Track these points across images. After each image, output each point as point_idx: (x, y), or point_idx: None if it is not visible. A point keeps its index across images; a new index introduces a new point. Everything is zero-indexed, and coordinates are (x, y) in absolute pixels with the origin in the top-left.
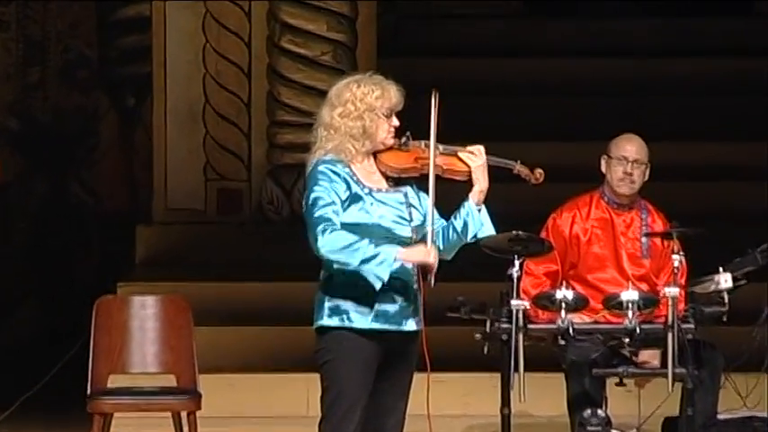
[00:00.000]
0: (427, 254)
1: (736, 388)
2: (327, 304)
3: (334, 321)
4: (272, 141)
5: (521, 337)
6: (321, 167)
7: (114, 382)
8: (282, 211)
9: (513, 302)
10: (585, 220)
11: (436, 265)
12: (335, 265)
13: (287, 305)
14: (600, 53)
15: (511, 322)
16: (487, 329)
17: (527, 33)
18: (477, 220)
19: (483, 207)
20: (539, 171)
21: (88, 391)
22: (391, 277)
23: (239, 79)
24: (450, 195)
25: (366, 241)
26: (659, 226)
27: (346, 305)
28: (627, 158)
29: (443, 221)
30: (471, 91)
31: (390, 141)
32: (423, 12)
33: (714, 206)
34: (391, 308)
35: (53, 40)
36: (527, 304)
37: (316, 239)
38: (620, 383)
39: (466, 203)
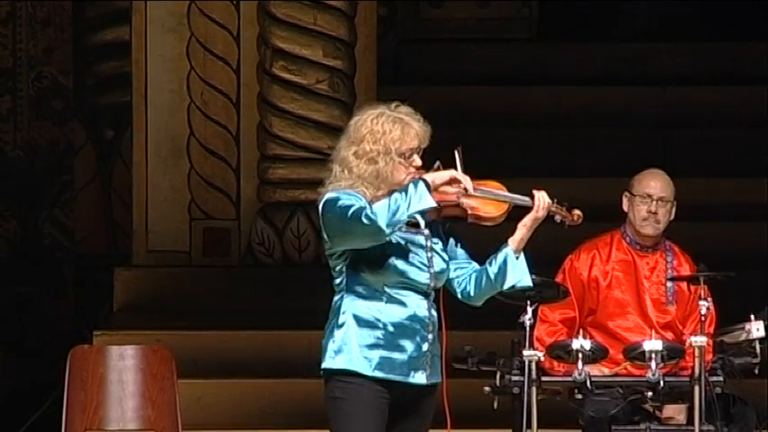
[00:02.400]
0: (452, 174)
1: None
2: (331, 346)
3: (337, 364)
4: (263, 177)
5: (534, 390)
6: (338, 192)
7: None
8: (274, 254)
9: (526, 353)
10: (606, 263)
11: (467, 178)
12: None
13: (279, 356)
14: (621, 81)
15: (523, 374)
16: (497, 382)
17: (541, 59)
18: (518, 269)
19: (521, 254)
20: (577, 213)
21: None
22: (402, 324)
23: (227, 109)
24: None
25: (393, 195)
26: (686, 269)
27: (350, 347)
28: (651, 196)
29: (475, 265)
30: (481, 122)
31: None
32: (427, 35)
33: (745, 248)
34: (398, 356)
35: (24, 66)
36: (541, 354)
37: (371, 224)
38: None
39: (505, 249)
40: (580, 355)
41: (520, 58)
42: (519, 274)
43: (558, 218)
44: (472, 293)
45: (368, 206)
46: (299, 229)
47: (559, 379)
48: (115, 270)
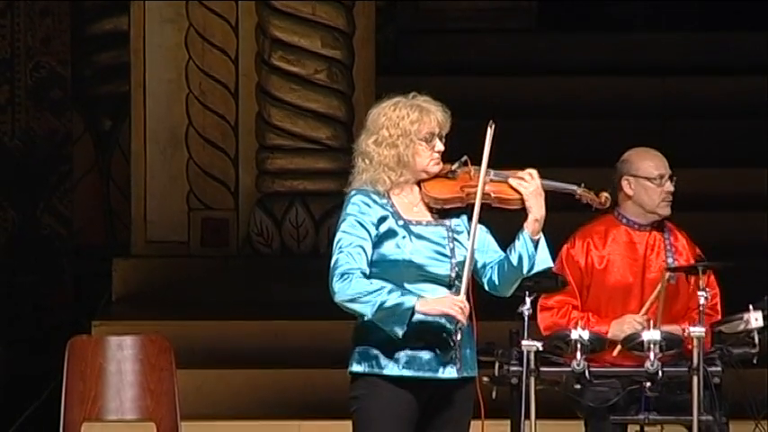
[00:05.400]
0: (451, 305)
1: None
2: (357, 349)
3: (363, 367)
4: (262, 167)
5: (532, 380)
6: (354, 198)
7: (89, 430)
8: (272, 244)
9: (524, 343)
10: (603, 247)
11: (464, 319)
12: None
13: (278, 346)
14: (619, 71)
15: (521, 364)
16: (496, 372)
17: (540, 50)
18: (532, 253)
19: (541, 237)
20: (605, 195)
21: None
22: (426, 319)
23: (226, 99)
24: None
25: (385, 290)
26: (683, 244)
27: (376, 350)
28: (663, 176)
29: (501, 254)
30: (479, 113)
31: (434, 169)
32: (426, 25)
33: (744, 238)
34: (425, 354)
35: (23, 56)
36: (539, 345)
37: (330, 286)
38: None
39: (521, 234)
40: (579, 346)
41: (518, 48)
42: (535, 256)
43: (584, 200)
44: (497, 283)
45: (350, 268)
46: (297, 220)
47: (558, 369)
48: (113, 260)
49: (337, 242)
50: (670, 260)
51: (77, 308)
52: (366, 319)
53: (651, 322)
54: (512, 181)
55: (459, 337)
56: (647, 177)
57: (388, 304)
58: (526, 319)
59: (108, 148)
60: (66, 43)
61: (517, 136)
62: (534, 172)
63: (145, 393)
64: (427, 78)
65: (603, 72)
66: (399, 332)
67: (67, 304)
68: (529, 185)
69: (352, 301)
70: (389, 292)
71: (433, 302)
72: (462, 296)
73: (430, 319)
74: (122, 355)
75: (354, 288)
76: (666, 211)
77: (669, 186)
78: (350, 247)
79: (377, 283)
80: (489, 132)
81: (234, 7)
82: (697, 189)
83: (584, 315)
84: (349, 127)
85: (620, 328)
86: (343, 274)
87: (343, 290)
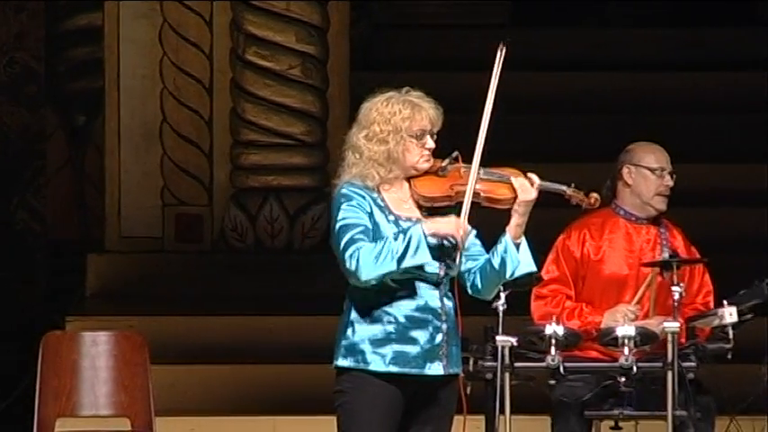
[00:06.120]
0: (456, 227)
1: None
2: (343, 343)
3: (348, 362)
4: (236, 163)
5: (507, 376)
6: (344, 190)
7: (63, 426)
8: (247, 239)
9: (499, 338)
10: (599, 239)
11: (464, 244)
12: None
13: (252, 341)
14: (597, 66)
15: (496, 360)
16: (470, 368)
17: (515, 44)
18: (515, 257)
19: (523, 241)
20: (594, 196)
21: None
22: (413, 316)
23: (200, 95)
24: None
25: (388, 241)
26: (679, 242)
27: (362, 345)
28: (664, 169)
29: (485, 257)
30: (455, 108)
31: (424, 166)
32: (400, 21)
33: (717, 233)
34: (412, 349)
35: None
36: (514, 340)
37: (353, 271)
38: (616, 427)
39: (503, 239)
40: (553, 341)
41: (493, 43)
42: (518, 261)
43: (574, 201)
44: (480, 286)
45: (362, 241)
46: (271, 215)
47: (532, 365)
48: (87, 256)
49: (339, 229)
50: (666, 255)
51: (51, 303)
52: (396, 274)
53: (642, 312)
54: (514, 180)
55: (458, 259)
56: (648, 167)
57: (401, 249)
58: (501, 314)
59: (82, 143)
60: (41, 39)
61: (494, 131)
62: (537, 180)
63: (119, 389)
64: (402, 74)
65: (580, 67)
66: (428, 258)
67: (41, 300)
68: (531, 193)
69: (375, 267)
70: (395, 239)
71: (440, 225)
72: (464, 220)
73: (417, 314)
74: (96, 351)
75: (365, 258)
76: (662, 206)
77: (668, 181)
78: (352, 228)
79: (378, 242)
80: (499, 55)
81: (208, 2)
82: (685, 185)
83: (577, 305)
84: (323, 122)
85: (613, 317)
86: (351, 255)
87: (360, 268)
